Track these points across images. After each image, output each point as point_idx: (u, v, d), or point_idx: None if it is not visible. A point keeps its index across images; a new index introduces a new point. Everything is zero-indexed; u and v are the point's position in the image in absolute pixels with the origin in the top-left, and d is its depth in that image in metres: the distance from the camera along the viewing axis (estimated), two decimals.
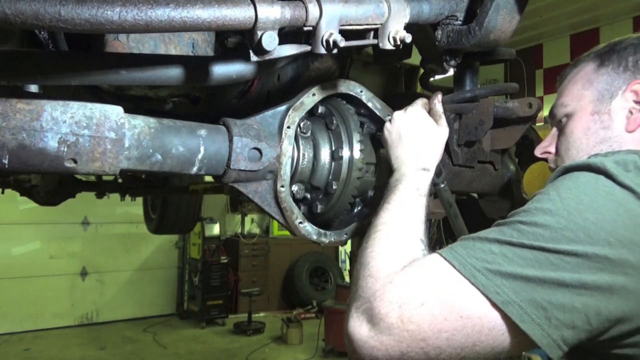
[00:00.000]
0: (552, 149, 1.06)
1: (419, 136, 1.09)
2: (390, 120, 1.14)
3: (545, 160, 1.10)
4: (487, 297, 0.71)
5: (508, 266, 0.71)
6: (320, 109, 1.22)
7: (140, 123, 0.96)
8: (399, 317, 0.72)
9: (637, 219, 0.71)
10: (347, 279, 7.51)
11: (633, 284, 0.69)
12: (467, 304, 0.71)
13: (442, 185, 1.20)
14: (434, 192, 1.22)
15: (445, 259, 0.75)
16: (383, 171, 1.27)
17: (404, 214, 0.94)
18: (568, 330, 0.69)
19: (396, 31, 0.96)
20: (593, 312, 0.69)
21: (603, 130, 0.94)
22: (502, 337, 0.72)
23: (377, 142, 1.26)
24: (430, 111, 1.15)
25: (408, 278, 0.76)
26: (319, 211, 1.22)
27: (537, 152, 1.10)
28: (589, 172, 0.78)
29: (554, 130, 1.07)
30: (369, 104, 1.26)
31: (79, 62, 0.93)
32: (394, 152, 1.10)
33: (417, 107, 1.13)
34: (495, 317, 0.71)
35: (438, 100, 1.16)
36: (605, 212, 0.72)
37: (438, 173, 1.14)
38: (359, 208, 1.31)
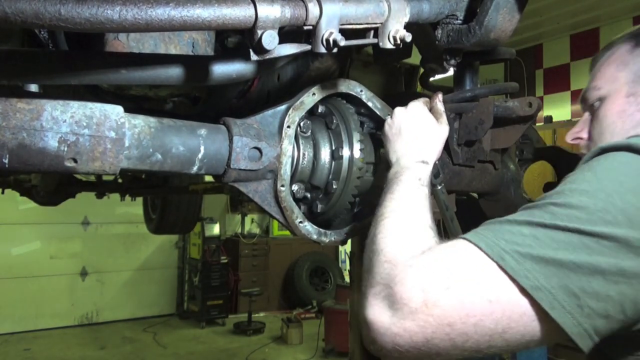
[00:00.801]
0: (584, 135, 1.02)
1: (419, 131, 1.08)
2: (391, 116, 1.13)
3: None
4: (516, 281, 0.66)
5: (540, 249, 0.67)
6: (320, 109, 1.21)
7: (141, 122, 0.95)
8: (423, 301, 0.67)
9: None
10: (347, 279, 7.51)
11: None
12: (495, 287, 0.67)
13: (439, 187, 1.19)
14: (431, 193, 1.22)
15: (470, 241, 0.71)
16: (383, 171, 1.27)
17: (410, 202, 0.92)
18: (601, 319, 0.65)
19: (396, 30, 0.96)
20: (630, 301, 0.65)
21: (639, 113, 0.91)
22: (533, 324, 0.67)
23: (377, 141, 1.26)
24: (431, 109, 1.14)
25: (430, 261, 0.72)
26: (319, 211, 1.22)
27: (568, 138, 1.06)
28: (629, 152, 0.73)
29: (586, 115, 1.03)
30: (369, 104, 1.26)
31: (79, 61, 0.93)
32: (393, 146, 1.09)
33: (419, 104, 1.13)
34: (525, 303, 0.67)
35: (439, 99, 1.15)
36: None
37: (436, 174, 1.13)
38: (359, 208, 1.31)
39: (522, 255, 0.67)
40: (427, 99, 1.17)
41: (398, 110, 1.13)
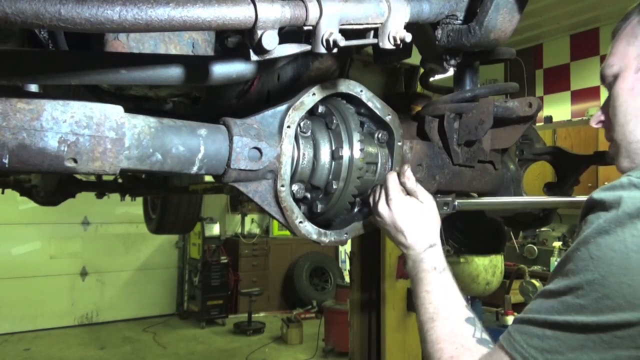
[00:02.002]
0: (604, 117, 0.97)
1: (411, 223, 1.10)
2: (377, 214, 1.15)
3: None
4: None
5: (568, 353, 0.72)
6: (320, 109, 1.21)
7: (141, 122, 0.95)
8: None
9: None
10: (347, 279, 7.51)
11: None
12: None
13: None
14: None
15: (509, 355, 0.77)
16: (383, 171, 1.27)
17: (439, 302, 0.98)
18: None
19: (396, 30, 0.96)
20: None
21: None
22: None
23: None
24: (404, 186, 1.14)
25: None
26: (319, 211, 1.22)
27: (592, 122, 1.02)
28: (613, 211, 0.72)
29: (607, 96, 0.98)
30: (369, 104, 1.26)
31: (79, 61, 0.93)
32: (395, 239, 1.13)
33: (395, 195, 1.12)
34: None
35: (406, 176, 1.14)
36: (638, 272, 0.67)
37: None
38: (359, 207, 1.31)
39: None
40: (395, 180, 1.15)
41: (381, 209, 1.14)
